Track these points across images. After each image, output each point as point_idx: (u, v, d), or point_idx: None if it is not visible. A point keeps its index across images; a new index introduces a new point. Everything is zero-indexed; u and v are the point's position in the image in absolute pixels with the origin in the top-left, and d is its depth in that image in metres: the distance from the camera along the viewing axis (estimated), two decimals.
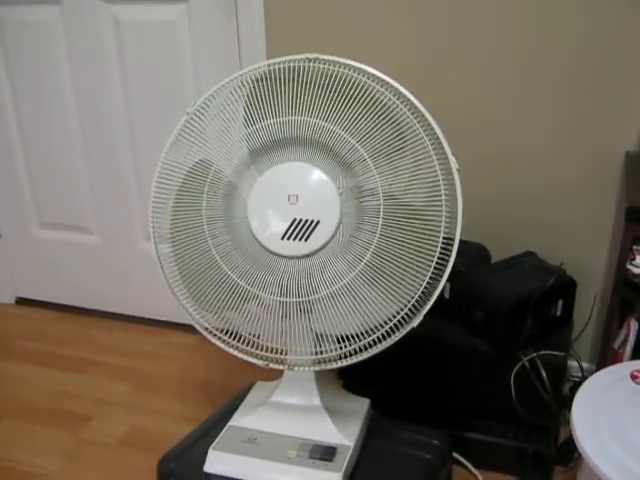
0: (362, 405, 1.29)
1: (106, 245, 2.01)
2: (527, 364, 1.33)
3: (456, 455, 1.41)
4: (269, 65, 1.08)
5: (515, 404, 1.36)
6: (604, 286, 1.60)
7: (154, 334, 2.00)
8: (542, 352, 1.34)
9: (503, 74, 1.50)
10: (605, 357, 1.36)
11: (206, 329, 1.14)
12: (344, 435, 1.18)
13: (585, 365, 1.63)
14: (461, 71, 1.53)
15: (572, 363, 1.55)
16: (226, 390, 1.72)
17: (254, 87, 1.08)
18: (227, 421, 1.25)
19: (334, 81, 1.03)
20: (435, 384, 1.44)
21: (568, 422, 1.50)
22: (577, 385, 1.58)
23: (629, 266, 1.25)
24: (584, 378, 1.57)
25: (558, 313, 1.39)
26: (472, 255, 1.45)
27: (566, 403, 1.51)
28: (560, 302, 1.38)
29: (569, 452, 1.44)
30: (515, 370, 1.34)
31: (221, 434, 1.21)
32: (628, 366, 1.14)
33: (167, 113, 1.77)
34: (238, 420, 1.23)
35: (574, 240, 1.58)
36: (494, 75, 1.51)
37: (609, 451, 0.97)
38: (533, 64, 1.47)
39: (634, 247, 1.25)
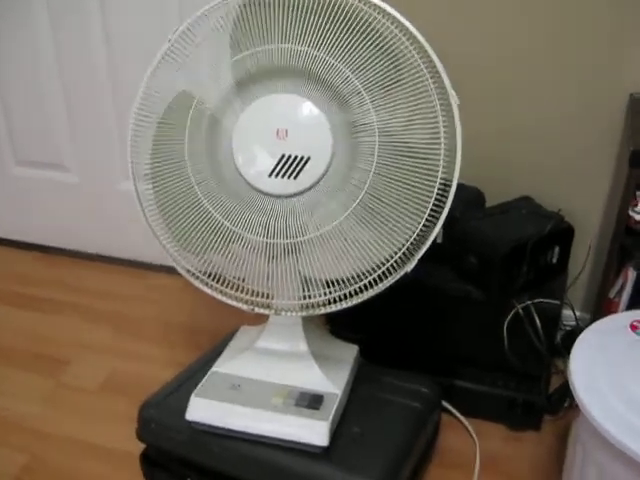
0: (350, 352, 1.25)
1: (85, 183, 1.94)
2: (521, 312, 1.29)
3: (444, 403, 1.38)
4: None
5: (507, 353, 1.32)
6: (601, 233, 1.55)
7: (137, 276, 1.94)
8: (536, 300, 1.30)
9: (501, 4, 1.43)
10: (601, 306, 1.33)
11: (188, 271, 1.08)
12: (332, 383, 1.14)
13: (578, 314, 1.60)
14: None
15: (564, 311, 1.52)
16: (212, 334, 1.66)
17: (241, 12, 1.00)
18: (211, 367, 1.20)
19: (327, 7, 0.95)
20: (425, 331, 1.40)
21: (559, 371, 1.49)
22: (570, 334, 1.56)
23: (631, 213, 1.20)
24: (578, 327, 1.55)
25: (554, 260, 1.35)
26: (467, 199, 1.39)
27: (558, 352, 1.48)
28: (557, 249, 1.34)
29: (559, 401, 1.42)
30: (508, 318, 1.30)
31: (203, 380, 1.16)
32: (628, 316, 1.10)
33: (148, 41, 1.67)
34: (221, 366, 1.19)
35: (571, 185, 1.53)
36: (492, 6, 1.43)
37: (607, 403, 0.94)
38: None
39: (637, 193, 1.20)
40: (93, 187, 1.93)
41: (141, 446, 1.20)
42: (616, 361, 1.01)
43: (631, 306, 1.34)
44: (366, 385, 1.23)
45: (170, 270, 1.85)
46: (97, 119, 1.83)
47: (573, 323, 1.57)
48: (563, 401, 1.42)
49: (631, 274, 1.32)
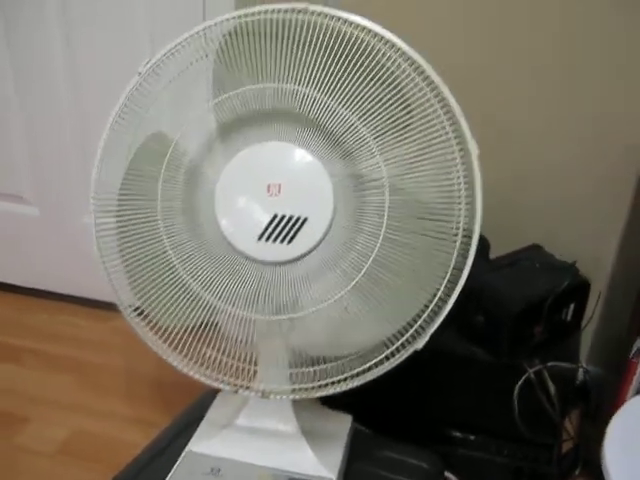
0: (344, 423, 1.11)
1: (45, 217, 1.78)
2: (533, 377, 1.16)
3: (446, 473, 1.24)
4: (245, 16, 0.85)
5: (517, 420, 1.18)
6: (611, 282, 1.44)
7: (100, 318, 1.77)
8: (549, 364, 1.17)
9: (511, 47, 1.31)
10: (624, 368, 1.21)
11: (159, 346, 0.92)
12: (324, 465, 0.99)
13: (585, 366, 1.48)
14: (470, 39, 1.34)
15: None
16: (180, 388, 1.49)
17: (226, 43, 0.85)
18: (185, 438, 1.05)
19: (329, 39, 0.81)
20: (425, 394, 1.26)
21: (569, 435, 1.36)
22: (579, 390, 1.44)
23: None
24: (586, 381, 1.44)
25: (569, 318, 1.22)
26: None
27: (567, 412, 1.36)
28: (572, 306, 1.21)
29: (570, 468, 1.30)
30: (519, 384, 1.17)
31: (178, 462, 1.01)
32: None
33: (118, 72, 1.52)
34: (198, 444, 1.03)
35: (582, 232, 1.42)
36: (505, 44, 1.33)
37: None
38: (540, 34, 1.29)
39: None
40: (55, 221, 1.78)
41: None
42: None
43: None
44: (362, 461, 1.09)
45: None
46: (59, 147, 1.69)
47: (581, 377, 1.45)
48: (574, 468, 1.30)
49: None
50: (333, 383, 0.88)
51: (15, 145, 1.72)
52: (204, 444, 1.03)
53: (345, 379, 0.87)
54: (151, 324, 0.90)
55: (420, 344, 0.86)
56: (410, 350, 0.86)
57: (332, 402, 1.14)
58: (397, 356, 0.86)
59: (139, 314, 0.93)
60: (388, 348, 0.85)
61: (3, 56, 1.62)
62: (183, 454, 1.02)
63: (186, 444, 1.04)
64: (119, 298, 0.90)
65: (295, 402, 1.02)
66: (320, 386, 0.88)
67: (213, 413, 1.11)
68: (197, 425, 1.08)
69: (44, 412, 1.46)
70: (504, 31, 1.32)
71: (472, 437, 1.27)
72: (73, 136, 1.67)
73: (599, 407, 1.39)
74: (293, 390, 0.90)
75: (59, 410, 1.46)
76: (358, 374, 0.87)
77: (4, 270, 1.90)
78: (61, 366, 1.60)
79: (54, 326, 1.75)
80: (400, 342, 0.84)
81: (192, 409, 1.18)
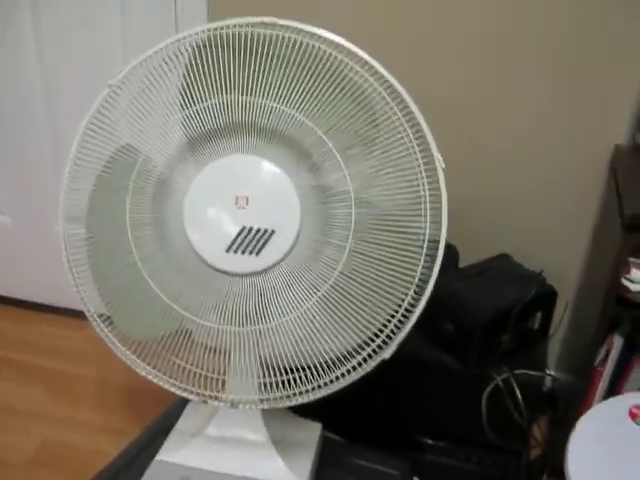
0: (313, 432, 1.11)
1: (18, 226, 1.76)
2: (501, 384, 1.18)
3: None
4: (214, 29, 0.85)
5: (485, 427, 1.20)
6: (578, 290, 1.46)
7: (73, 327, 1.75)
8: (517, 371, 1.19)
9: (480, 58, 1.34)
10: (590, 376, 1.22)
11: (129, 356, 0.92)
12: (294, 473, 1.00)
13: (552, 372, 1.50)
14: (437, 52, 1.35)
15: None
16: (152, 396, 1.49)
17: (195, 55, 0.86)
18: (155, 447, 1.05)
19: (297, 54, 0.82)
20: (394, 400, 1.27)
21: (537, 441, 1.38)
22: (546, 397, 1.46)
23: (623, 281, 1.10)
24: (554, 389, 1.46)
25: (536, 326, 1.24)
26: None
27: (535, 419, 1.38)
28: (539, 314, 1.23)
29: (538, 475, 1.31)
30: (487, 391, 1.18)
31: (147, 472, 1.01)
32: (625, 401, 0.99)
33: (91, 79, 1.52)
34: (167, 454, 1.04)
35: (549, 242, 1.44)
36: (470, 59, 1.34)
37: None
38: (512, 46, 1.31)
39: (630, 259, 1.09)
40: (28, 229, 1.76)
41: None
42: (617, 456, 0.90)
43: (616, 375, 1.24)
44: (332, 468, 1.10)
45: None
46: (32, 156, 1.68)
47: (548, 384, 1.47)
48: (542, 474, 1.32)
49: (617, 342, 1.22)
50: (301, 393, 0.88)
51: None
52: (174, 453, 1.03)
53: (313, 389, 0.88)
54: (121, 334, 0.90)
55: (387, 354, 0.87)
56: (377, 360, 0.87)
57: (302, 410, 1.15)
58: (364, 366, 0.87)
59: (110, 324, 0.93)
60: (355, 358, 0.86)
61: None
62: (152, 463, 1.02)
63: (156, 453, 1.04)
64: (88, 309, 0.90)
65: (265, 411, 1.03)
66: (288, 396, 0.89)
67: (183, 422, 1.11)
68: (167, 434, 1.08)
69: (14, 422, 1.44)
70: (486, 56, 1.34)
71: (441, 444, 1.28)
72: (45, 144, 1.65)
73: (567, 414, 1.41)
74: (262, 400, 0.91)
75: (29, 420, 1.45)
76: (326, 384, 0.87)
77: None
78: (32, 375, 1.59)
79: (26, 335, 1.74)
80: (367, 352, 0.85)
81: (162, 418, 1.18)
